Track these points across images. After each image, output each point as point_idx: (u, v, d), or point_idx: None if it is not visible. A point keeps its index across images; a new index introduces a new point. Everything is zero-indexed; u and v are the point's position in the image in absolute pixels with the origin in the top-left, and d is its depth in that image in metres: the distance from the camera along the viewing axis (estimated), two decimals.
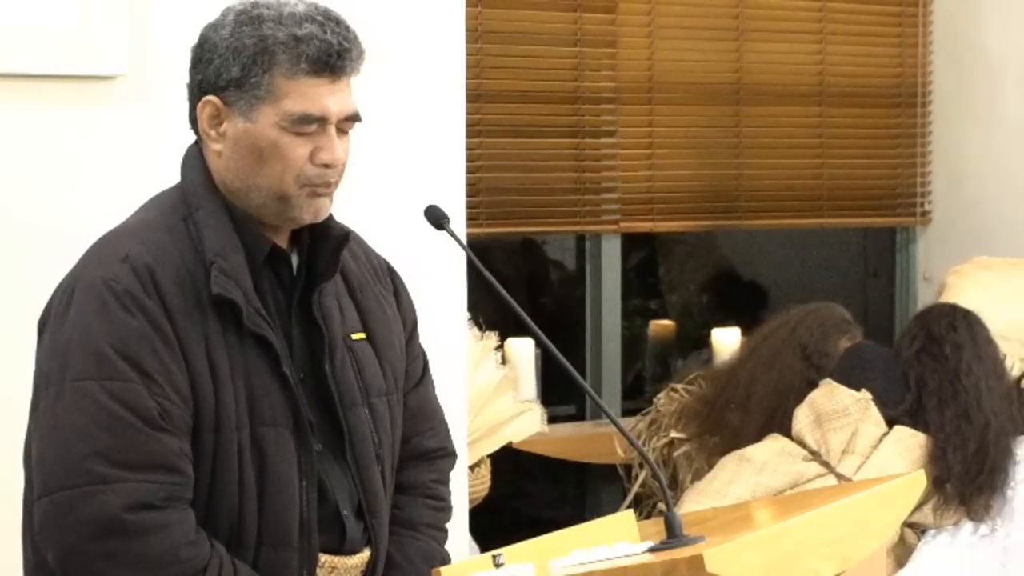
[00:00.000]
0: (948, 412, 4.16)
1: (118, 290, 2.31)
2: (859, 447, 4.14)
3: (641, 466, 4.86)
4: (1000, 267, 4.95)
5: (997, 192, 6.04)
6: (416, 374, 2.67)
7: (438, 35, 3.72)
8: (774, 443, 4.23)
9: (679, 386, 4.97)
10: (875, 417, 4.18)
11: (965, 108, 6.16)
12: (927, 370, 4.24)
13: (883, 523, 2.42)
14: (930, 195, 6.29)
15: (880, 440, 4.17)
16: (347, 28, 2.41)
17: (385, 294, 2.63)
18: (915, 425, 4.19)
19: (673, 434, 4.81)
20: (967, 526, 4.18)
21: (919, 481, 2.44)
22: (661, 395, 5.01)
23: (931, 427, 4.17)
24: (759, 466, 4.14)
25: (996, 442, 4.16)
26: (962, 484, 4.12)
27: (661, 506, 4.25)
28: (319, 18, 2.38)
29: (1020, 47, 5.95)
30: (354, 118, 2.43)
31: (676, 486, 4.73)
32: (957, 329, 4.30)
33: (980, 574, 4.13)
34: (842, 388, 4.22)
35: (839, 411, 4.18)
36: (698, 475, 4.53)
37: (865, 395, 4.21)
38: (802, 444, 4.20)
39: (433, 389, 2.73)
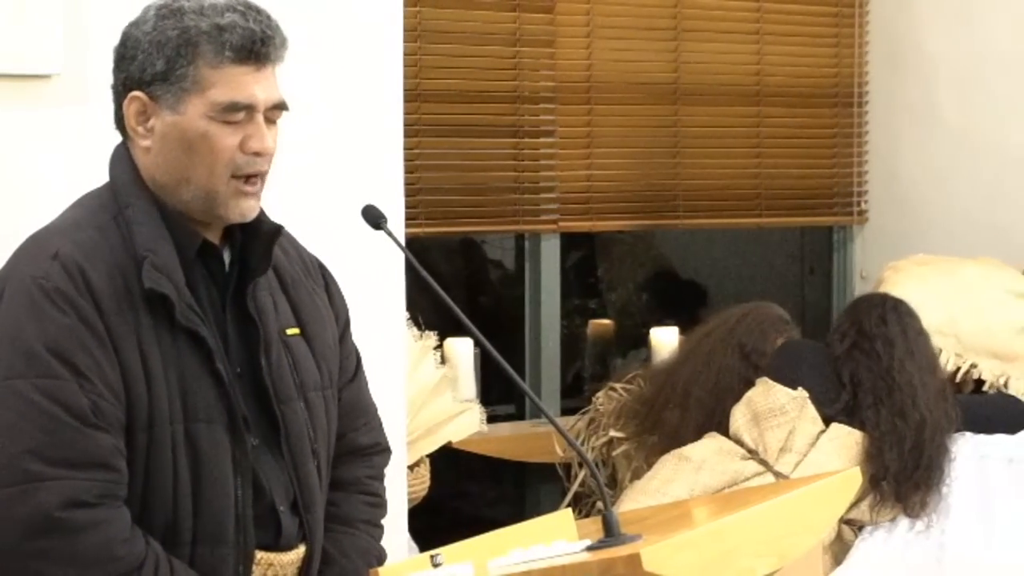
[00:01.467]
0: (883, 410, 4.18)
1: (48, 288, 2.30)
2: (796, 445, 4.16)
3: (580, 465, 4.87)
4: (937, 263, 4.99)
5: (932, 191, 6.09)
6: (350, 370, 2.67)
7: (376, 34, 3.71)
8: (712, 442, 4.24)
9: (618, 385, 4.97)
10: (812, 415, 4.20)
11: (901, 108, 6.20)
12: (861, 367, 4.25)
13: (819, 520, 2.43)
14: (866, 194, 6.33)
15: (817, 438, 4.19)
16: (268, 17, 2.42)
17: (317, 290, 2.64)
18: (851, 423, 4.21)
19: (612, 433, 4.81)
20: (903, 523, 4.21)
21: (854, 478, 2.45)
22: (600, 394, 5.01)
23: (867, 425, 4.19)
24: (697, 465, 4.15)
25: (932, 439, 4.18)
26: (898, 481, 4.14)
27: (600, 505, 4.25)
28: (240, 7, 2.39)
29: (955, 48, 6.00)
30: (281, 107, 2.43)
31: (615, 485, 4.74)
32: (887, 322, 4.31)
33: (916, 570, 4.16)
34: (779, 387, 4.23)
35: (776, 409, 4.20)
36: (637, 474, 4.54)
37: (802, 393, 4.22)
38: (739, 443, 4.21)
39: (367, 385, 2.73)
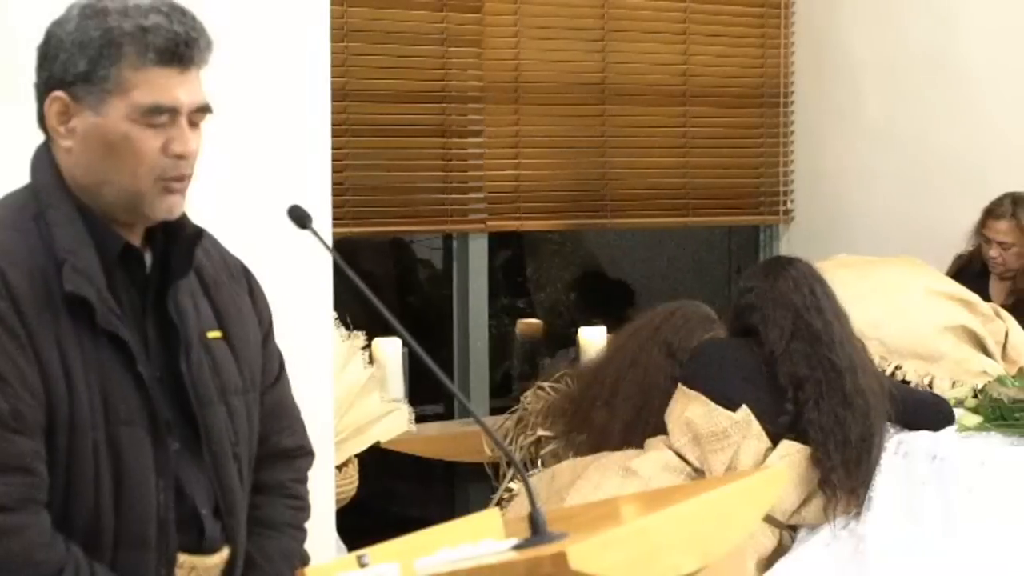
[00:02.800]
0: (825, 404, 4.07)
1: None
2: (742, 464, 4.07)
3: (509, 464, 4.87)
4: (858, 265, 5.02)
5: (856, 190, 6.14)
6: (273, 373, 2.66)
7: (302, 33, 3.70)
8: (658, 456, 4.15)
9: (546, 384, 4.99)
10: (756, 431, 4.11)
11: (826, 108, 6.26)
12: (800, 363, 4.12)
13: (744, 518, 2.44)
14: (792, 193, 6.38)
15: (765, 455, 4.12)
16: (193, 19, 2.39)
17: (240, 293, 2.62)
18: (797, 434, 4.14)
19: (540, 432, 4.82)
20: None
21: (779, 475, 2.48)
22: (528, 393, 5.02)
23: (811, 429, 4.09)
24: (644, 482, 4.05)
25: (876, 420, 4.17)
26: (848, 472, 4.12)
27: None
28: (164, 9, 2.37)
29: (879, 49, 6.05)
30: (205, 109, 2.41)
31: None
32: (817, 295, 4.23)
33: (840, 567, 4.19)
34: (720, 409, 4.12)
35: (718, 433, 4.09)
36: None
37: (746, 416, 4.13)
38: (683, 459, 4.14)
39: (290, 388, 2.72)
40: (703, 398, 4.17)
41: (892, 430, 4.33)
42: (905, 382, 4.69)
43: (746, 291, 4.33)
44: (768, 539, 4.15)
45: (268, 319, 2.68)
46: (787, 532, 4.24)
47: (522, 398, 5.05)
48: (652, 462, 4.16)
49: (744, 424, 4.12)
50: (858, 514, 4.20)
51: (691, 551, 2.18)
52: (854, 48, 6.14)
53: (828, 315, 4.20)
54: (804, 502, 4.15)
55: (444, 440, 5.33)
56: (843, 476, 4.11)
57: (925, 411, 4.40)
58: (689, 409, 4.19)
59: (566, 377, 4.97)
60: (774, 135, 6.34)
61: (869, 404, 4.14)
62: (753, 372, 4.20)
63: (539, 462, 4.83)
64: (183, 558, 2.43)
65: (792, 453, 4.12)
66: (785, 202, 6.37)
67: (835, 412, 4.10)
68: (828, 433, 4.09)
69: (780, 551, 4.21)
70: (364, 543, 2.13)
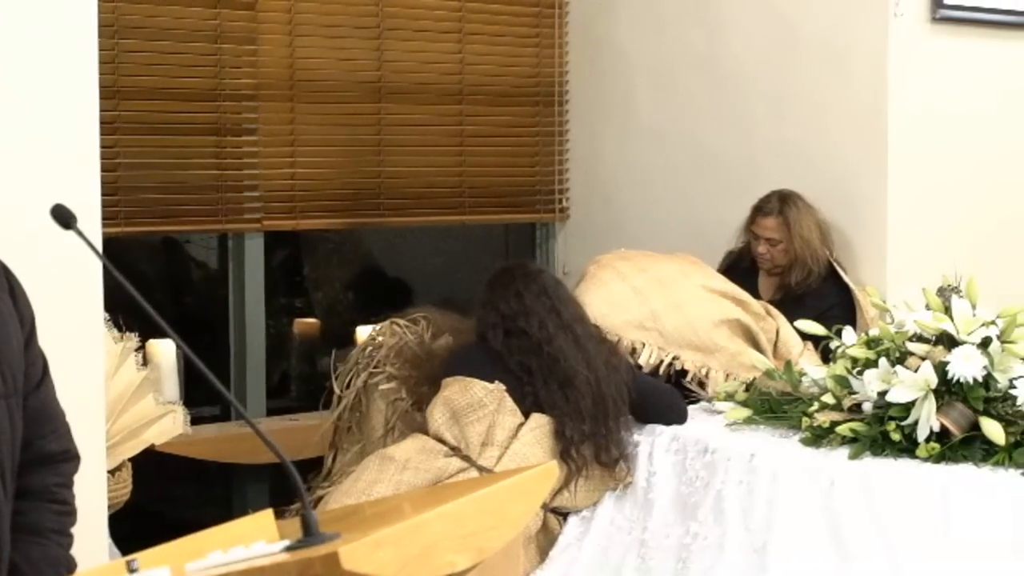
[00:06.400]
0: (553, 385, 4.29)
1: None
2: (497, 438, 4.22)
3: (319, 469, 4.78)
4: (637, 259, 5.09)
5: (630, 188, 6.24)
6: (36, 376, 2.60)
7: (69, 29, 3.63)
8: (415, 442, 4.27)
9: (401, 321, 4.85)
10: (510, 407, 4.27)
11: (600, 107, 6.34)
12: (522, 353, 4.32)
13: (518, 513, 2.46)
14: (568, 192, 6.45)
15: (518, 430, 4.25)
16: None
17: (0, 294, 2.56)
18: (542, 411, 4.29)
19: (388, 369, 4.72)
20: (604, 514, 4.31)
21: (551, 471, 2.50)
22: (383, 326, 4.85)
23: (545, 407, 4.28)
24: (401, 465, 4.17)
25: (607, 386, 4.30)
26: (594, 440, 4.25)
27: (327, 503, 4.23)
28: None
29: (651, 49, 6.15)
30: None
31: (368, 425, 4.66)
32: (523, 296, 4.39)
33: (620, 567, 4.25)
34: (476, 381, 4.28)
35: (474, 404, 4.25)
36: (403, 420, 4.53)
37: (499, 386, 4.28)
38: (441, 441, 4.25)
39: (54, 391, 2.66)
40: (460, 378, 4.31)
41: (658, 427, 4.42)
42: (683, 372, 4.78)
43: (478, 303, 4.52)
44: (532, 520, 4.23)
45: (31, 320, 2.61)
46: (552, 515, 4.32)
47: (374, 329, 4.88)
48: (409, 447, 4.27)
49: (498, 393, 4.28)
50: (627, 486, 4.31)
51: (466, 548, 2.19)
52: (627, 49, 6.23)
53: (537, 313, 4.34)
54: (566, 481, 4.24)
55: (221, 442, 5.28)
56: (590, 445, 4.27)
57: (653, 400, 4.46)
58: (446, 391, 4.32)
59: (423, 318, 4.88)
60: (549, 134, 6.41)
61: (588, 377, 4.29)
62: (495, 365, 4.33)
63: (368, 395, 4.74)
64: None
65: (543, 424, 4.29)
66: (561, 200, 6.44)
67: (562, 390, 4.28)
68: (560, 408, 4.27)
69: (547, 534, 4.30)
70: (139, 548, 2.10)
